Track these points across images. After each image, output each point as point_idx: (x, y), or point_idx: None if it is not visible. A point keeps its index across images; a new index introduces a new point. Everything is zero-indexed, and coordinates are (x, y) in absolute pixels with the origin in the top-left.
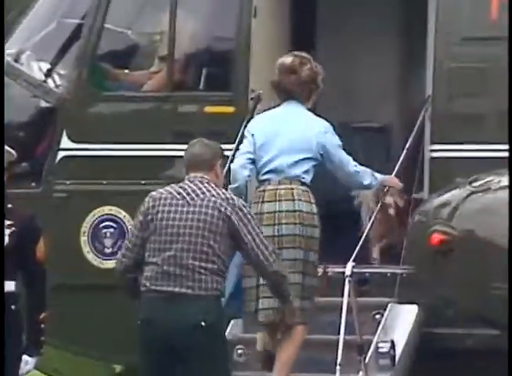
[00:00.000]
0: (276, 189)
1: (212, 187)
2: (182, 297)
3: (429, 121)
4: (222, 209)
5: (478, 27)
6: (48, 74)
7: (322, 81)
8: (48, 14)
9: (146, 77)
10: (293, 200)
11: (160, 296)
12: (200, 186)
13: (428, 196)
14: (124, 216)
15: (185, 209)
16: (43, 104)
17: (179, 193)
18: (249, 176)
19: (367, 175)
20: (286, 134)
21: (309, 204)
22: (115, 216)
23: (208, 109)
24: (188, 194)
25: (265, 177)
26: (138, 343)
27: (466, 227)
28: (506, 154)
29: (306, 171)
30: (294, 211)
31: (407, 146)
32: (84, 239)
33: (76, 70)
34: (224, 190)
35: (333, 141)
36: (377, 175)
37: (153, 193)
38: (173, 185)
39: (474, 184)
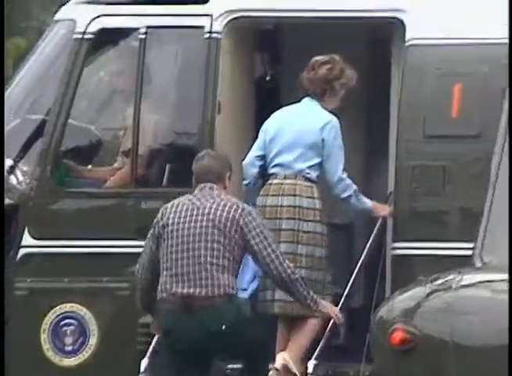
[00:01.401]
0: (281, 184)
1: (221, 194)
2: (197, 302)
3: (391, 219)
4: (232, 212)
5: (440, 125)
6: (11, 170)
7: (342, 84)
8: (13, 110)
9: (109, 173)
10: (295, 195)
11: (175, 308)
12: (210, 192)
13: (390, 293)
14: (85, 313)
15: (194, 212)
16: (6, 201)
17: (189, 199)
18: (259, 173)
19: (349, 189)
20: (293, 128)
21: (312, 199)
22: (76, 313)
23: None
24: (198, 200)
25: (272, 171)
26: (165, 352)
27: (428, 326)
28: (468, 252)
29: (311, 166)
30: (295, 206)
31: (369, 243)
32: (44, 336)
33: (39, 166)
34: (232, 197)
35: (330, 136)
36: (366, 199)
37: (166, 204)
38: (187, 196)
39: (436, 282)
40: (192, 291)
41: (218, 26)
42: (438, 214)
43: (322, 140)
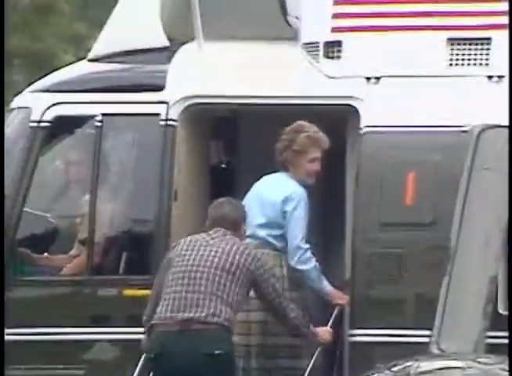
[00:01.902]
0: None
1: (234, 238)
2: (194, 326)
3: (348, 306)
4: (244, 255)
5: (395, 213)
6: None
7: (295, 152)
8: None
9: (65, 261)
10: None
11: (171, 329)
12: (224, 233)
13: None
14: None
15: (207, 248)
16: None
17: (203, 238)
18: None
19: (308, 262)
20: (259, 201)
21: (279, 267)
22: None
23: (128, 292)
24: (212, 239)
25: (247, 241)
26: None
27: None
28: (425, 339)
29: (275, 236)
30: None
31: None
32: None
33: None
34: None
35: (290, 207)
36: (325, 282)
37: (180, 240)
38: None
39: (394, 369)
40: (191, 315)
41: (174, 113)
42: (395, 301)
43: (284, 212)
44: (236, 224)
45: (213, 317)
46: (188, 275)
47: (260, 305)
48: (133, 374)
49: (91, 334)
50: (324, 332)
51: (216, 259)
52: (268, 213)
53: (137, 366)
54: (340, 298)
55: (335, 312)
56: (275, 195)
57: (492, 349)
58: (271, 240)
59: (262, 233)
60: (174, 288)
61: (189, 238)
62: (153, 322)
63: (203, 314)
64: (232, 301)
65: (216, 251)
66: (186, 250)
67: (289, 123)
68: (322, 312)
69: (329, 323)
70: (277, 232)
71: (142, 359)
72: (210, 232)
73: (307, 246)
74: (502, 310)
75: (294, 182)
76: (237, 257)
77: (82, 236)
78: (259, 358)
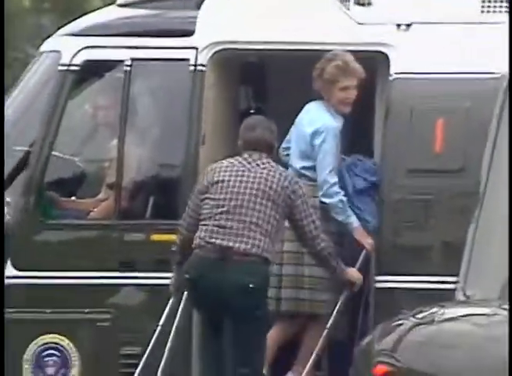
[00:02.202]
0: None
1: (270, 162)
2: (232, 255)
3: (375, 252)
4: (282, 180)
5: (423, 160)
6: None
7: (326, 81)
8: None
9: (93, 205)
10: None
11: (210, 255)
12: (260, 157)
13: (373, 326)
14: (68, 344)
15: (245, 173)
16: None
17: (240, 162)
18: None
19: (335, 196)
20: (294, 134)
21: (313, 198)
22: (58, 344)
23: (155, 237)
24: (249, 163)
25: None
26: (189, 300)
27: (411, 359)
28: (451, 286)
29: (307, 168)
30: None
31: (339, 302)
32: (26, 367)
33: (23, 197)
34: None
35: (318, 141)
36: (353, 217)
37: (213, 164)
38: (235, 157)
39: (419, 316)
40: (231, 244)
41: (203, 58)
42: (422, 248)
43: (313, 146)
44: (271, 147)
45: (252, 248)
46: (228, 203)
47: (293, 236)
48: (160, 318)
49: (118, 279)
50: (353, 271)
51: (255, 185)
52: (301, 145)
53: (164, 311)
54: (365, 237)
55: (361, 256)
56: (308, 127)
57: None
58: (304, 171)
59: (296, 164)
60: (215, 216)
61: (225, 163)
62: (194, 245)
63: (243, 245)
64: (271, 229)
65: (254, 177)
66: (224, 176)
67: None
68: (351, 255)
69: (357, 266)
70: (310, 163)
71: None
72: (246, 155)
73: (334, 180)
74: None
75: (327, 114)
76: (275, 181)
77: (110, 181)
78: (289, 288)
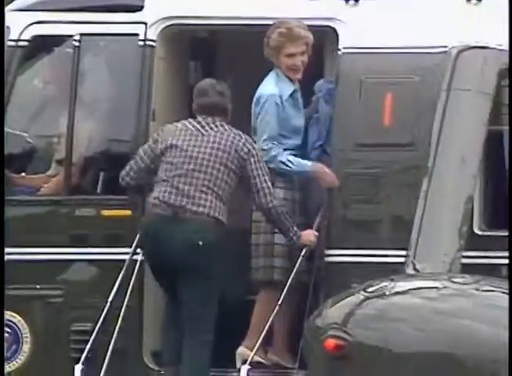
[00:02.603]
0: None
1: (224, 125)
2: (183, 213)
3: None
4: (235, 142)
5: (372, 134)
6: None
7: (271, 49)
8: None
9: (43, 181)
10: None
11: (162, 213)
12: (215, 122)
13: (324, 300)
14: (19, 321)
15: (199, 137)
16: None
17: (194, 126)
18: None
19: (273, 160)
20: None
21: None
22: (10, 321)
23: (105, 212)
24: (202, 127)
25: None
26: (144, 255)
27: (361, 333)
28: (401, 260)
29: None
30: None
31: (303, 251)
32: None
33: None
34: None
35: (256, 110)
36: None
37: (168, 125)
38: (188, 120)
39: (369, 289)
40: (183, 203)
41: (153, 33)
42: (371, 222)
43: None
44: (224, 110)
45: (203, 209)
46: (181, 166)
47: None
48: (110, 294)
49: (69, 255)
50: (309, 234)
51: (208, 149)
52: (253, 119)
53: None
54: (325, 175)
55: (317, 218)
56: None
57: (468, 269)
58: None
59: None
60: (170, 179)
61: (179, 126)
62: (148, 205)
63: (194, 206)
64: (223, 193)
65: (208, 141)
66: (178, 140)
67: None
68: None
69: (314, 227)
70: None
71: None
72: (200, 119)
73: (269, 145)
74: (478, 230)
75: (271, 82)
76: (228, 144)
77: (60, 156)
78: (253, 258)
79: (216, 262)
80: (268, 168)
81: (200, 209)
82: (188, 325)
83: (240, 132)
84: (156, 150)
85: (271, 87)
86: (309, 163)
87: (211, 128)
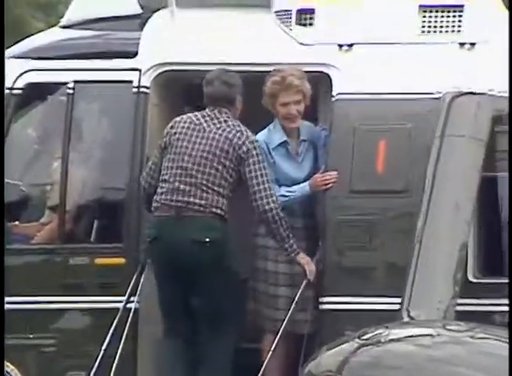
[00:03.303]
0: None
1: (229, 119)
2: (186, 212)
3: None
4: (236, 139)
5: (366, 181)
6: None
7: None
8: None
9: (36, 229)
10: None
11: (166, 215)
12: (219, 115)
13: (319, 347)
14: (13, 370)
15: (200, 134)
16: None
17: (198, 119)
18: None
19: None
20: None
21: None
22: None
23: (99, 261)
24: (206, 121)
25: None
26: (151, 262)
27: None
28: (395, 307)
29: None
30: None
31: (296, 298)
32: None
33: None
34: (239, 124)
35: None
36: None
37: (176, 117)
38: (195, 113)
39: (364, 337)
40: (185, 203)
41: (147, 80)
42: (365, 269)
43: None
44: (229, 101)
45: (205, 205)
46: (180, 164)
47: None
48: (103, 342)
49: (61, 303)
50: (310, 262)
51: (207, 147)
52: None
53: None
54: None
55: (304, 281)
56: None
57: (462, 317)
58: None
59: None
60: (170, 178)
61: (185, 118)
62: (152, 208)
63: (196, 205)
64: (223, 190)
65: (207, 138)
66: (179, 137)
67: (261, 90)
68: None
69: (299, 290)
70: None
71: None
72: (207, 111)
73: None
74: (472, 277)
75: (265, 130)
76: (227, 142)
77: (53, 203)
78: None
79: (224, 258)
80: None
81: (202, 208)
82: (208, 326)
83: (243, 129)
84: (161, 145)
85: (260, 134)
86: (305, 183)
87: (214, 124)
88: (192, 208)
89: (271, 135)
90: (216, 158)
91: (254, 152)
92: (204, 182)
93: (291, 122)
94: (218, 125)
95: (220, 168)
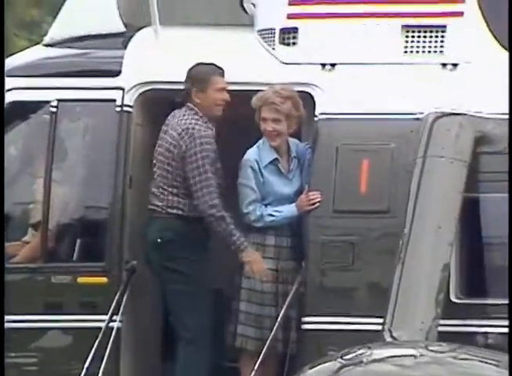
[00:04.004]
0: None
1: (185, 115)
2: (151, 214)
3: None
4: (176, 139)
5: (349, 201)
6: None
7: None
8: None
9: (18, 248)
10: None
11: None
12: (179, 113)
13: (301, 367)
14: None
15: (162, 136)
16: None
17: (167, 121)
18: None
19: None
20: None
21: None
22: None
23: (81, 279)
24: (168, 122)
25: None
26: None
27: None
28: (378, 327)
29: None
30: None
31: (280, 316)
32: None
33: None
34: (192, 119)
35: None
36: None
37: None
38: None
39: (346, 357)
40: (152, 202)
41: (130, 99)
42: (348, 289)
43: None
44: (186, 94)
45: (162, 207)
46: (152, 166)
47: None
48: (85, 361)
49: (43, 322)
50: (256, 260)
51: (161, 149)
52: None
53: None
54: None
55: (288, 298)
56: None
57: (444, 337)
58: None
59: None
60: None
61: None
62: None
63: (157, 205)
64: (177, 190)
65: (162, 139)
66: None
67: (244, 109)
68: None
69: (282, 310)
70: None
71: None
72: (176, 110)
73: (251, 208)
74: (454, 298)
75: (254, 148)
76: (171, 143)
77: (35, 221)
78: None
79: (180, 257)
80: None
81: (159, 209)
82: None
83: (190, 127)
84: None
85: (250, 152)
86: (292, 204)
87: (172, 124)
88: (154, 210)
89: (260, 153)
90: (165, 159)
91: (192, 151)
92: (161, 184)
93: (271, 139)
94: (172, 126)
95: (170, 169)
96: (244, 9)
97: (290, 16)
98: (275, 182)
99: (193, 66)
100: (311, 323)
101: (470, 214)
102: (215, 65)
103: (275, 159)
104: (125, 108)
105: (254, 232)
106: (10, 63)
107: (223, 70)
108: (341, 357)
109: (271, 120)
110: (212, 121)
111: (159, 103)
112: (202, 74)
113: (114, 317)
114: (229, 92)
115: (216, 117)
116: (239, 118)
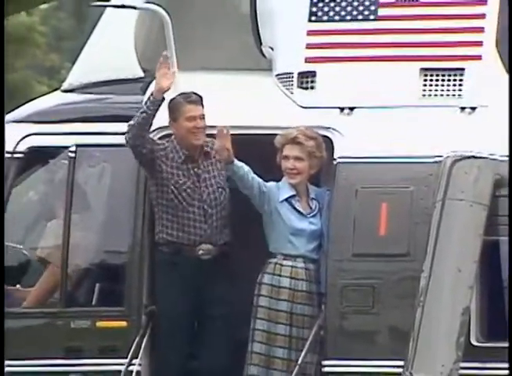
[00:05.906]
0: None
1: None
2: None
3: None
4: None
5: (368, 244)
6: None
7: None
8: None
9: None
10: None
11: None
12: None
13: None
14: None
15: None
16: None
17: None
18: None
19: None
20: None
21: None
22: None
23: (100, 324)
24: None
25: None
26: None
27: None
28: (399, 370)
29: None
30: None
31: (300, 360)
32: None
33: None
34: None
35: None
36: None
37: None
38: None
39: None
40: None
41: None
42: (368, 332)
43: None
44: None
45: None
46: None
47: None
48: None
49: (64, 366)
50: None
51: None
52: None
53: None
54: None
55: (309, 340)
56: None
57: None
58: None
59: None
60: None
61: None
62: None
63: None
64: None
65: None
66: None
67: (263, 153)
68: None
69: (304, 351)
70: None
71: None
72: None
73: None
74: (475, 341)
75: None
76: None
77: (42, 255)
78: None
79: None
80: None
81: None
82: None
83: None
84: None
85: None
86: None
87: None
88: None
89: (280, 188)
90: None
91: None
92: None
93: (290, 177)
94: None
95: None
96: (262, 53)
97: (308, 60)
98: (291, 218)
99: (171, 98)
100: (332, 365)
101: (490, 256)
102: (192, 93)
103: (293, 196)
104: None
105: (270, 273)
106: (29, 108)
107: (200, 98)
108: None
109: (293, 158)
110: (190, 149)
111: None
112: (173, 104)
113: (134, 361)
114: (247, 136)
115: (194, 145)
116: (257, 163)
